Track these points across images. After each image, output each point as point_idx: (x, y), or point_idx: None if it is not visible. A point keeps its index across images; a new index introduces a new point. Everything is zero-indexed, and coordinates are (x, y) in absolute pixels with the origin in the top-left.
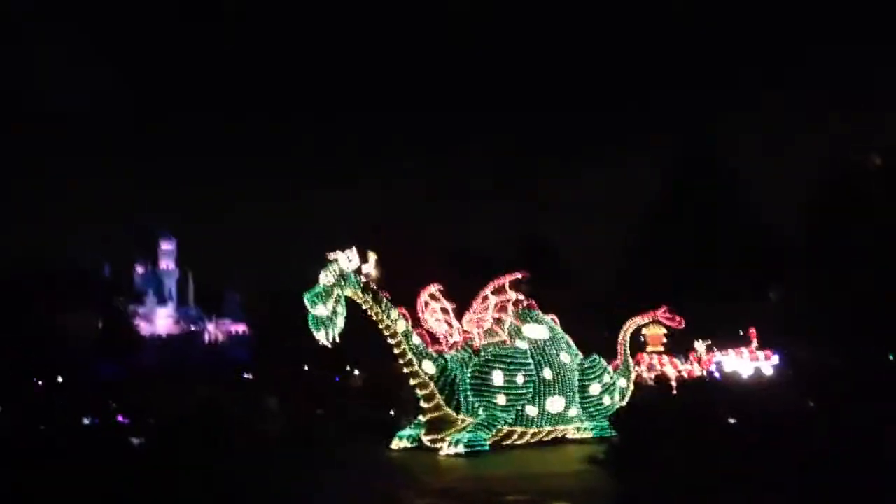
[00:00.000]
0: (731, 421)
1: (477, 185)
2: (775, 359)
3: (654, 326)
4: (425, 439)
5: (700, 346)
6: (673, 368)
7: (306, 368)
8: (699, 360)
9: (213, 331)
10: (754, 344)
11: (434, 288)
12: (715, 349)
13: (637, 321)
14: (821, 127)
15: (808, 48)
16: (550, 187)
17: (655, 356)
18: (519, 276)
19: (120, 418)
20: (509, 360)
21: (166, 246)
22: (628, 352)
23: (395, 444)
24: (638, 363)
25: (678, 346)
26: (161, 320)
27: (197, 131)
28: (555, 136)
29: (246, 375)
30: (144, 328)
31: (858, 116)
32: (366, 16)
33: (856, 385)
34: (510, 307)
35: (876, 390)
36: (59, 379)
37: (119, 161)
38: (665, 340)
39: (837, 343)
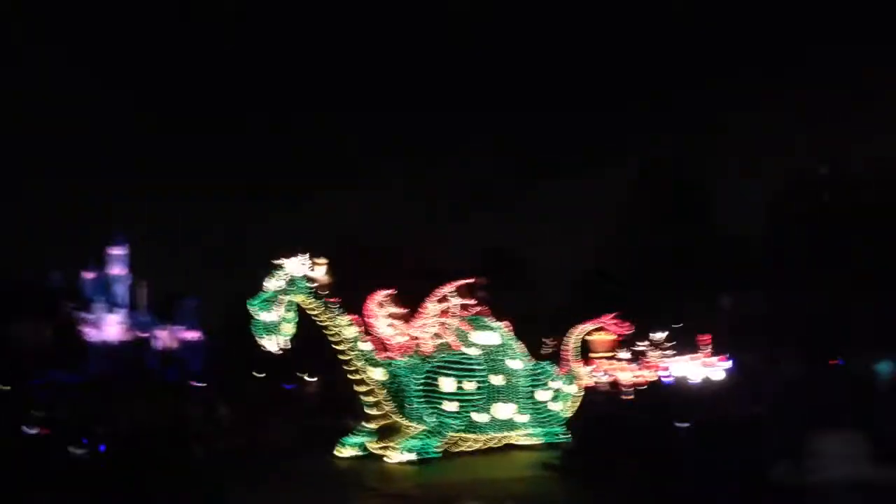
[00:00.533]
0: (682, 425)
1: (451, 194)
2: (726, 364)
3: (601, 332)
4: (372, 447)
5: (653, 352)
6: (626, 374)
7: (261, 375)
8: (650, 366)
9: (165, 337)
10: (707, 349)
11: (383, 293)
12: (667, 353)
13: (584, 328)
14: (789, 140)
15: (784, 66)
16: (522, 196)
17: (609, 362)
18: (470, 281)
19: (63, 428)
20: (459, 367)
21: (116, 251)
22: (575, 358)
23: (341, 451)
24: (594, 370)
25: (633, 350)
26: (110, 327)
27: (155, 136)
28: (527, 146)
29: (197, 384)
30: (93, 334)
31: (825, 131)
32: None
33: (804, 390)
34: (458, 311)
35: (823, 395)
36: (5, 387)
37: (72, 164)
38: (613, 346)
39: (787, 348)
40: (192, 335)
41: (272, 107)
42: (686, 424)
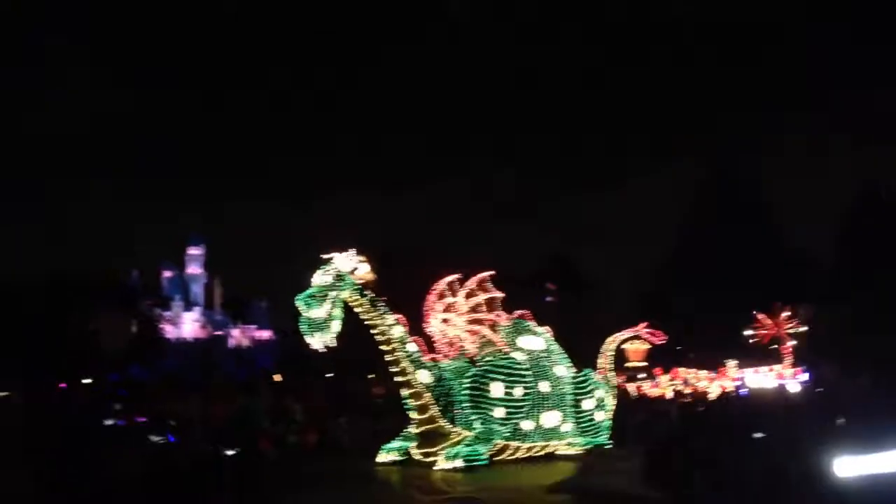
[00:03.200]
0: (758, 435)
1: (505, 202)
2: (803, 376)
3: (636, 342)
4: (416, 452)
5: (731, 362)
6: (703, 383)
7: (330, 375)
8: (729, 376)
9: (238, 336)
10: (787, 360)
11: (449, 279)
12: (741, 366)
13: (620, 336)
14: (854, 151)
15: (846, 77)
16: (581, 207)
17: (691, 372)
18: (493, 273)
19: (140, 419)
20: (508, 372)
21: (194, 251)
22: (610, 366)
23: (383, 456)
24: (673, 378)
25: (709, 362)
26: (187, 324)
27: (226, 139)
28: (583, 157)
29: (275, 378)
30: (170, 332)
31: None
32: (396, 29)
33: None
34: (486, 307)
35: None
36: (88, 381)
37: (151, 169)
38: (647, 356)
39: (864, 362)
40: (264, 334)
41: (304, 115)
42: (761, 435)
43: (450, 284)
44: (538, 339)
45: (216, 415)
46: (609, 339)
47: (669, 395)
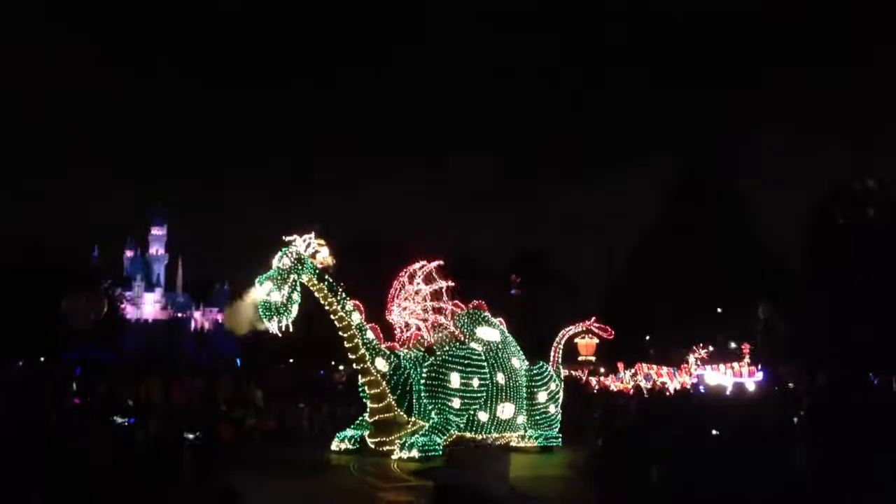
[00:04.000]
0: (714, 432)
1: (478, 193)
2: (759, 375)
3: (586, 336)
4: (370, 441)
5: (692, 358)
6: (669, 379)
7: (291, 361)
8: (689, 373)
9: (199, 319)
10: (746, 359)
11: (419, 265)
12: (700, 363)
13: (571, 330)
14: (824, 148)
15: (814, 75)
16: (551, 199)
17: (654, 367)
18: (441, 263)
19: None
20: (466, 362)
21: (157, 231)
22: (559, 359)
23: (336, 445)
24: (636, 373)
25: (672, 357)
26: (148, 305)
27: (193, 119)
28: (558, 150)
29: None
30: (131, 312)
31: (863, 140)
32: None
33: (839, 404)
34: (430, 297)
35: (858, 409)
36: (42, 360)
37: (113, 147)
38: (596, 350)
39: (822, 361)
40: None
41: (274, 99)
42: (717, 433)
43: (410, 273)
44: (494, 331)
45: (176, 398)
46: (560, 333)
47: (631, 389)
